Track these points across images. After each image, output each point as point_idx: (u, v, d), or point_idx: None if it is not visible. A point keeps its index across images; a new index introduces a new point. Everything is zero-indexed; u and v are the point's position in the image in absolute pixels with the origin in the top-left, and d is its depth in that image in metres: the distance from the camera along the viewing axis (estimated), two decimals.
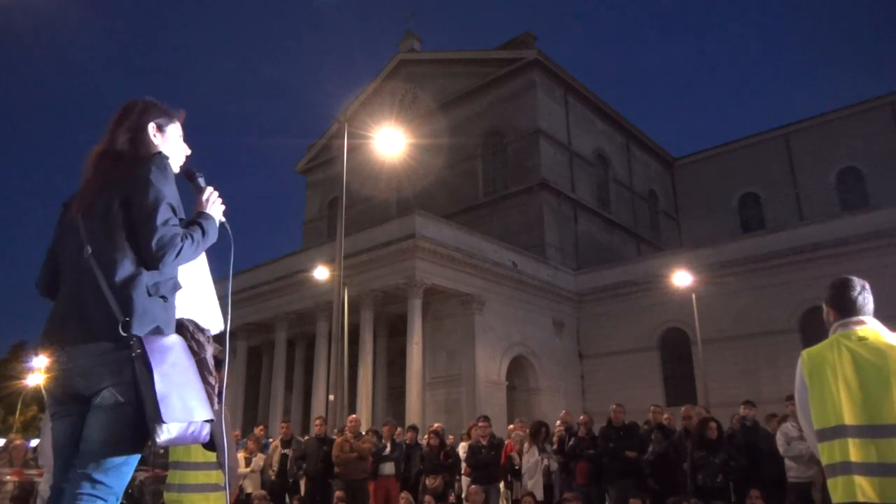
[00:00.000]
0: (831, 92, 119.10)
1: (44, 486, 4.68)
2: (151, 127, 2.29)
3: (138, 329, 1.96)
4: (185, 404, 1.93)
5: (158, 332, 2.01)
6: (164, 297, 2.08)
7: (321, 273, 19.83)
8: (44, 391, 2.14)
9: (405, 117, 34.03)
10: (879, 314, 2.99)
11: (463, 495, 10.57)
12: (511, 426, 11.83)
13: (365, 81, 38.41)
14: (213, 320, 2.36)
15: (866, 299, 2.94)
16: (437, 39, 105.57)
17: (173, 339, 2.04)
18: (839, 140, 34.85)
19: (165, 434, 1.89)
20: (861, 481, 2.53)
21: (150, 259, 2.02)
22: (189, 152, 2.42)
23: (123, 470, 2.00)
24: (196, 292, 2.38)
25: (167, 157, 2.21)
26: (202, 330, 2.24)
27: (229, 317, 2.39)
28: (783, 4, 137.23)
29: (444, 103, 33.41)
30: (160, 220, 2.02)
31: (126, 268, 2.02)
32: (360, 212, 32.01)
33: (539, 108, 30.64)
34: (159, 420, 1.87)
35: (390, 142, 15.50)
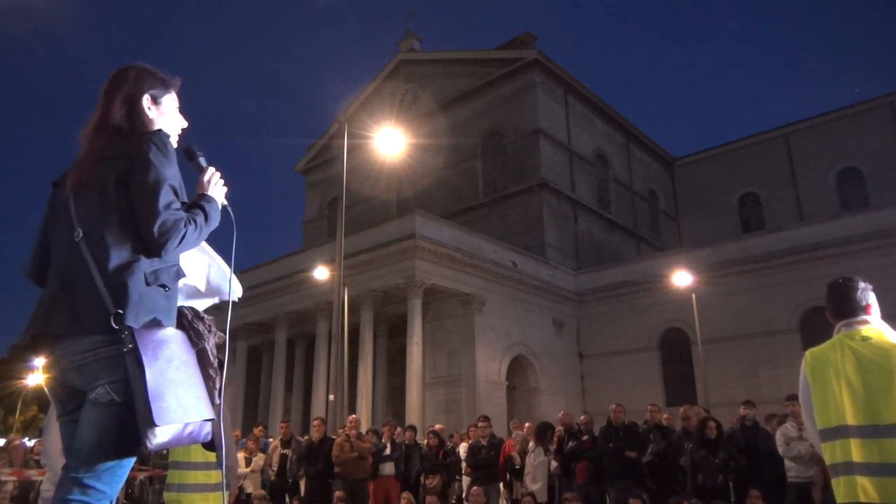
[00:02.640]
0: (831, 92, 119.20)
1: (46, 485, 4.65)
2: (146, 99, 2.11)
3: (133, 320, 1.80)
4: (180, 404, 1.77)
5: (156, 323, 1.85)
6: (164, 286, 1.92)
7: (321, 273, 19.82)
8: (47, 392, 1.98)
9: (405, 117, 34.02)
10: (881, 314, 2.99)
11: (463, 495, 10.57)
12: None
13: (365, 81, 38.47)
14: (225, 289, 2.21)
15: (868, 298, 2.94)
16: (437, 39, 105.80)
17: (170, 332, 1.87)
18: (839, 140, 34.84)
19: (157, 437, 1.73)
20: (863, 481, 2.52)
21: (152, 245, 1.87)
22: (185, 125, 2.24)
23: (118, 473, 1.84)
24: (194, 274, 2.24)
25: (168, 135, 2.05)
26: (201, 318, 2.08)
27: (230, 312, 2.29)
28: (783, 5, 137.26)
29: (444, 103, 33.39)
30: (162, 203, 1.87)
31: (122, 253, 1.86)
32: (360, 212, 32.02)
33: (539, 108, 30.63)
34: (151, 423, 1.71)
35: (390, 142, 15.49)
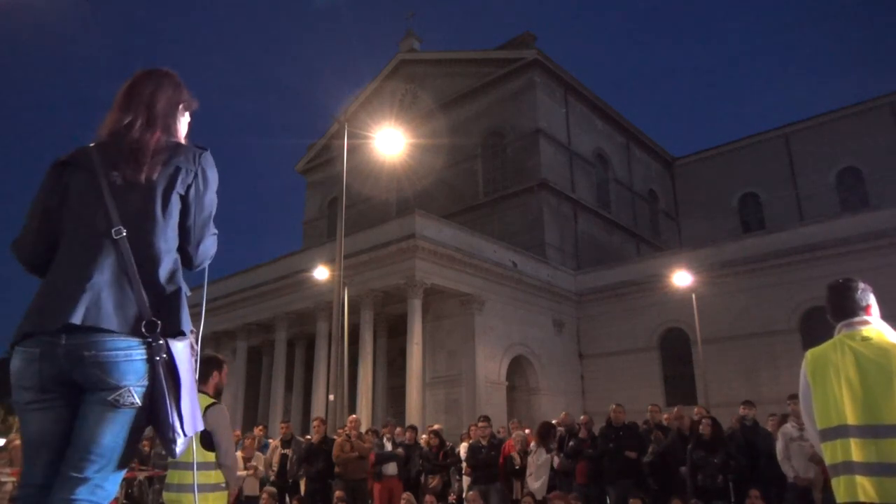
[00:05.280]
0: (831, 92, 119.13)
1: None
2: (181, 107, 2.17)
3: (186, 326, 1.88)
4: (194, 415, 1.87)
5: (190, 333, 1.93)
6: (186, 297, 1.99)
7: (321, 273, 19.82)
8: (22, 375, 1.83)
9: (405, 117, 34.02)
10: (880, 314, 2.99)
11: (464, 496, 10.57)
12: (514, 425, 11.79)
13: (365, 81, 38.49)
14: None
15: (868, 299, 2.95)
16: (437, 39, 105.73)
17: (187, 346, 1.92)
18: (839, 140, 34.84)
19: (182, 446, 1.82)
20: (862, 481, 2.53)
21: (191, 261, 1.99)
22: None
23: (120, 474, 1.87)
24: None
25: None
26: (192, 331, 2.07)
27: (202, 325, 2.23)
28: (783, 5, 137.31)
29: (444, 103, 33.40)
30: (212, 224, 2.01)
31: (170, 263, 1.92)
32: (360, 212, 32.01)
33: (539, 108, 30.63)
34: (182, 433, 1.79)
35: (390, 142, 15.49)
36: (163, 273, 1.88)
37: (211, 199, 2.02)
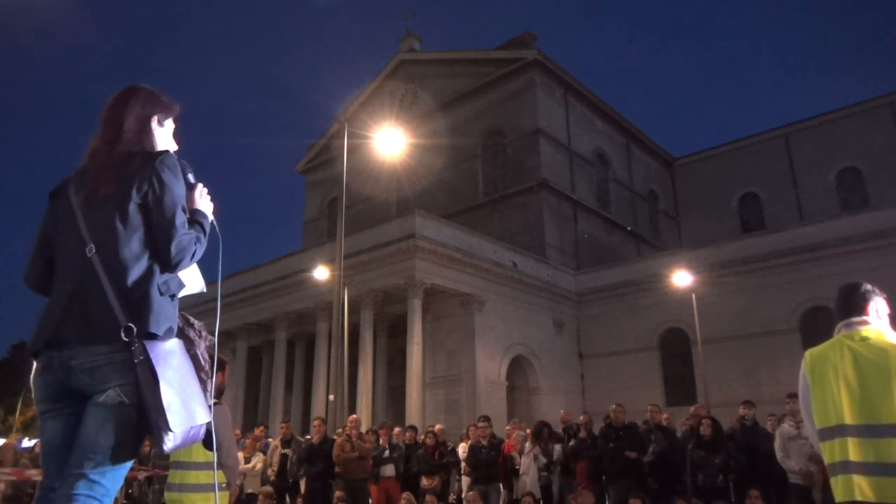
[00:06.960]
0: (831, 92, 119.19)
1: None
2: (154, 120, 2.26)
3: (155, 328, 1.95)
4: (188, 409, 1.94)
5: (170, 332, 2.01)
6: (172, 296, 2.07)
7: (321, 273, 19.83)
8: (35, 387, 2.03)
9: (405, 117, 34.02)
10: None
11: (463, 495, 10.58)
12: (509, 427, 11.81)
13: (365, 81, 38.48)
14: (193, 281, 2.29)
15: (870, 299, 2.96)
16: (437, 39, 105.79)
17: (174, 343, 2.01)
18: (839, 140, 34.85)
19: (171, 441, 1.90)
20: (859, 480, 2.54)
21: (167, 262, 2.04)
22: (177, 148, 2.36)
23: (119, 471, 1.96)
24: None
25: (175, 157, 2.17)
26: (192, 324, 2.20)
27: (218, 318, 2.34)
28: (784, 5, 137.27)
29: (444, 103, 33.40)
30: (178, 223, 2.04)
31: (139, 268, 2.00)
32: (360, 212, 32.01)
33: (539, 108, 30.63)
34: (167, 428, 1.88)
35: (390, 142, 15.50)
36: (132, 280, 1.97)
37: (171, 201, 2.05)
